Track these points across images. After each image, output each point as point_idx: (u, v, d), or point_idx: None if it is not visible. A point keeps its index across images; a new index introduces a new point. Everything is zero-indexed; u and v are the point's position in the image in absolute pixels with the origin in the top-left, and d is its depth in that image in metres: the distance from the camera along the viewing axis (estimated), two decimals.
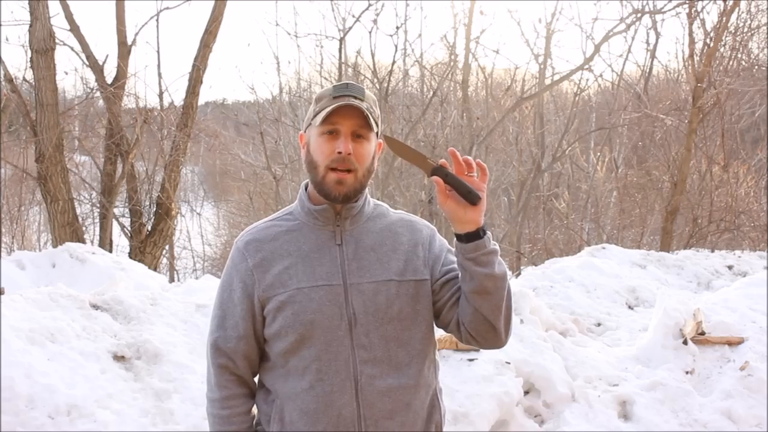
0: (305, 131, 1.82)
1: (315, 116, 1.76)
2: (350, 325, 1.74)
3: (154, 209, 10.46)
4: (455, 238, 1.72)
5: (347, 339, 1.73)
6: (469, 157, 1.70)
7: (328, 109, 1.71)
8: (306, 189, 1.84)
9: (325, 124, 1.72)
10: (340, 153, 1.71)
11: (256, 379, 1.89)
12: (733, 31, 12.44)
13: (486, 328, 1.75)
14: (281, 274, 1.76)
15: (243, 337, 1.80)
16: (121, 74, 10.23)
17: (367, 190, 1.84)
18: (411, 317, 1.78)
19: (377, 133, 1.80)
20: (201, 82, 10.35)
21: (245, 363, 1.82)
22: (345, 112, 1.72)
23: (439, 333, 1.92)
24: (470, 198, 1.67)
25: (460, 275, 1.75)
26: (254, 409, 1.87)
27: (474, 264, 1.69)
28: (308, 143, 1.79)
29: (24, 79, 9.84)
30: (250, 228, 1.87)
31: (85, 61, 10.20)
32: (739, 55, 13.12)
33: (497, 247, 1.72)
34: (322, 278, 1.75)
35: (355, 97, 1.74)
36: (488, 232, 1.71)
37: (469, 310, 1.74)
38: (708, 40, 11.82)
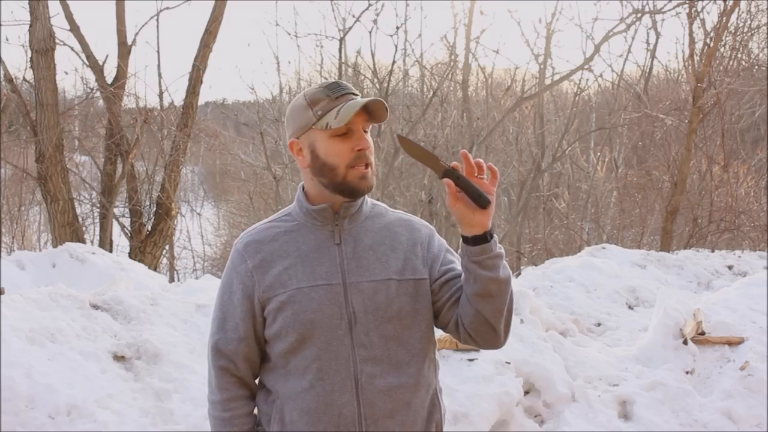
0: (300, 137, 1.79)
1: (319, 120, 1.73)
2: (350, 324, 1.74)
3: (154, 209, 10.46)
4: (461, 241, 1.72)
5: (347, 338, 1.73)
6: (480, 160, 1.70)
7: (351, 107, 1.69)
8: (303, 190, 1.84)
9: (341, 127, 1.71)
10: (360, 150, 1.72)
11: (256, 381, 1.89)
12: (733, 31, 12.44)
13: (486, 330, 1.75)
14: (281, 275, 1.76)
15: (243, 339, 1.80)
16: (121, 74, 10.24)
17: None
18: (411, 316, 1.78)
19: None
20: (201, 82, 10.35)
21: (246, 365, 1.81)
22: (353, 110, 1.72)
23: (439, 333, 1.92)
24: (480, 201, 1.66)
25: (463, 277, 1.75)
26: (255, 410, 1.87)
27: (479, 267, 1.69)
28: (312, 147, 1.77)
29: (24, 79, 9.85)
30: (249, 230, 1.87)
31: (85, 61, 10.21)
32: (739, 55, 13.12)
33: (503, 250, 1.72)
34: (322, 278, 1.75)
35: (354, 94, 1.75)
36: (495, 236, 1.71)
37: (470, 312, 1.74)
38: (708, 40, 11.82)
